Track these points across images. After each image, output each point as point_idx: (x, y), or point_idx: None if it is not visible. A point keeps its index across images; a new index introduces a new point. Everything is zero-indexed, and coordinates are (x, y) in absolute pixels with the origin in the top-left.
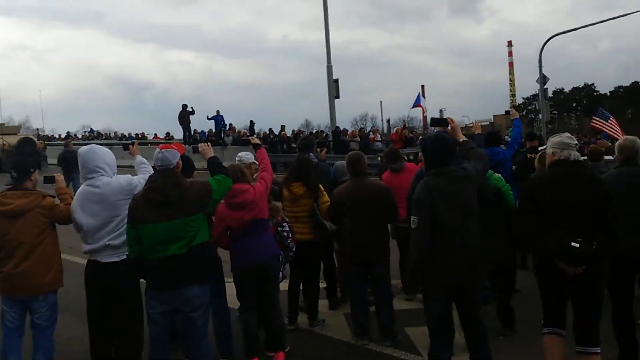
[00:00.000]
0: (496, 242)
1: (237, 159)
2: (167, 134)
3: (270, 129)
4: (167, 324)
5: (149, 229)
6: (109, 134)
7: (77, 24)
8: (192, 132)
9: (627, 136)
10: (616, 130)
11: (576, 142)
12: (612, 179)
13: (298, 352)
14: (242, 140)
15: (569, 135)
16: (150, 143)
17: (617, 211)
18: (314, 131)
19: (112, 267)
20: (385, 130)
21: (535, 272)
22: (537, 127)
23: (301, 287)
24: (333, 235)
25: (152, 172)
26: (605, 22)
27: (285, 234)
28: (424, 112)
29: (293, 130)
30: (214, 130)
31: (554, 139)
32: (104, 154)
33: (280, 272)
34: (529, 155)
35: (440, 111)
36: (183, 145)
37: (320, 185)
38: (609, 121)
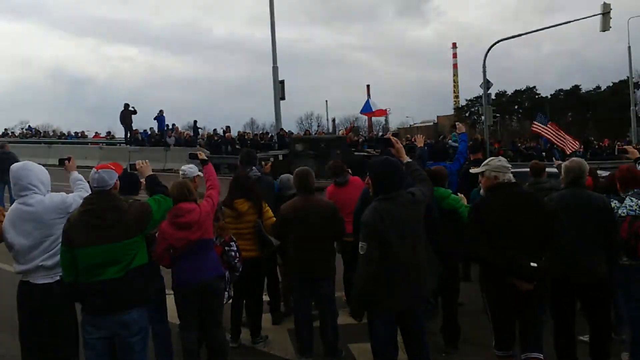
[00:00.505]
0: (444, 261)
1: (180, 172)
2: (108, 133)
3: (214, 130)
4: (104, 349)
5: (85, 252)
6: (48, 132)
7: (15, 15)
8: (134, 132)
9: (573, 158)
10: (555, 135)
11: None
12: (557, 201)
13: None
14: (185, 141)
15: (504, 158)
16: (90, 142)
17: (558, 229)
18: (260, 132)
19: (45, 289)
20: (330, 130)
21: (487, 293)
22: (480, 129)
23: (244, 302)
24: (277, 250)
25: (89, 189)
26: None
27: (233, 253)
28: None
29: (238, 132)
30: (157, 130)
31: (495, 163)
32: (38, 171)
33: (226, 292)
34: (472, 169)
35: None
36: (121, 164)
37: (263, 201)
38: (548, 126)
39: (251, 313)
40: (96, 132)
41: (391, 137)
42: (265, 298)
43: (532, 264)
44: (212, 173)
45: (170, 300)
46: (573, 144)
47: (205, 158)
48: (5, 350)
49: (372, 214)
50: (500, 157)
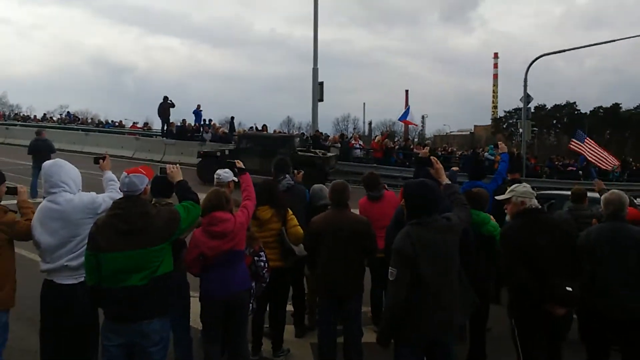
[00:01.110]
0: (479, 287)
1: (215, 177)
2: (145, 124)
3: (250, 128)
4: (122, 356)
5: (111, 257)
6: (86, 119)
7: (64, 2)
8: (170, 125)
9: (613, 190)
10: (594, 153)
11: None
12: (596, 234)
13: None
14: (220, 137)
15: (528, 185)
16: (127, 132)
17: (597, 262)
18: (295, 134)
19: (68, 290)
20: (366, 133)
21: (518, 321)
22: (517, 141)
23: (267, 311)
24: (304, 260)
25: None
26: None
27: (262, 264)
28: (414, 125)
29: (274, 130)
30: (193, 125)
31: (520, 189)
32: (69, 169)
33: (251, 305)
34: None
35: (422, 117)
36: (151, 168)
37: (289, 209)
38: (585, 142)
39: (274, 325)
40: (134, 122)
41: (431, 157)
42: (290, 309)
43: (567, 288)
44: (250, 183)
45: (195, 305)
46: (610, 161)
47: (243, 167)
48: (27, 344)
49: (404, 240)
50: (524, 183)
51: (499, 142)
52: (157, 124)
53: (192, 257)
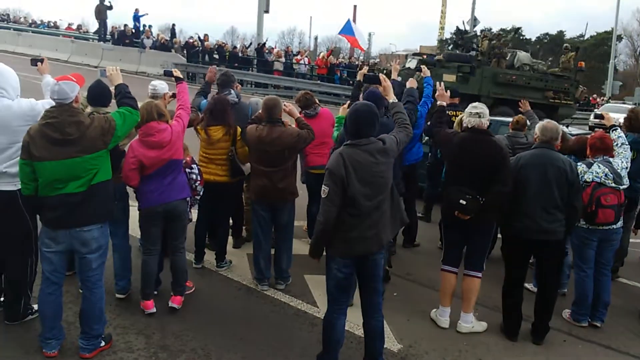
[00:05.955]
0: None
1: (150, 87)
2: (79, 27)
3: (191, 37)
4: (61, 264)
5: (45, 166)
6: (18, 17)
7: None
8: (110, 29)
9: (549, 119)
10: None
11: (486, 111)
12: (527, 158)
13: (199, 292)
14: (161, 45)
15: (481, 104)
16: (62, 34)
17: (508, 176)
18: (239, 44)
19: (7, 196)
20: (312, 47)
21: (442, 219)
22: None
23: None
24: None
25: None
26: None
27: (194, 176)
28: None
29: (217, 41)
30: (133, 30)
31: (468, 109)
32: (8, 75)
33: (188, 214)
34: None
35: (369, 35)
36: (82, 76)
37: (239, 128)
38: None
39: (218, 237)
40: (69, 24)
41: (380, 75)
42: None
43: (461, 201)
44: (185, 92)
45: (133, 214)
46: None
47: (180, 76)
48: None
49: (336, 160)
50: (477, 103)
51: (422, 66)
52: (93, 27)
53: (131, 169)
